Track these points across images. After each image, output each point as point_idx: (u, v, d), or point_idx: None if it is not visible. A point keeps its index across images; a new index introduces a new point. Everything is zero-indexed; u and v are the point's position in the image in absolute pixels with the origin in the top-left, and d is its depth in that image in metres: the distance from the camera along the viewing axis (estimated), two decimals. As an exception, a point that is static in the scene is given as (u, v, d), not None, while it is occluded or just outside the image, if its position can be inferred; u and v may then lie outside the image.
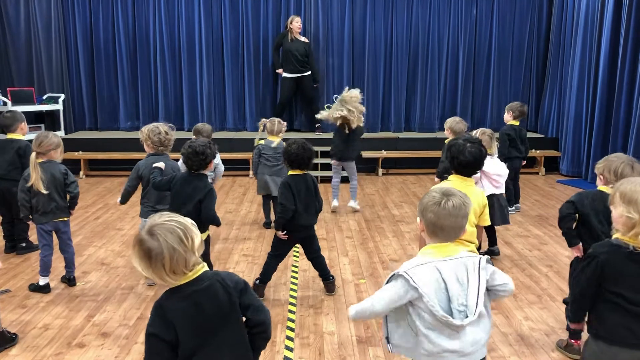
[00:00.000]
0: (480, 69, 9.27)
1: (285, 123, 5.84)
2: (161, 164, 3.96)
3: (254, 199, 6.98)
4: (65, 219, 4.19)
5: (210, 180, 5.23)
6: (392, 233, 5.68)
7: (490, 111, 9.35)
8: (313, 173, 7.96)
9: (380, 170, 8.58)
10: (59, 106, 8.58)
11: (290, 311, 3.90)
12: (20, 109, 8.18)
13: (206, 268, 1.98)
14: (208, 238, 3.80)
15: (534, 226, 5.92)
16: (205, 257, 3.79)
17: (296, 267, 4.69)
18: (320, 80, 8.90)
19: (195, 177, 3.69)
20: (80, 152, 8.37)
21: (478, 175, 4.89)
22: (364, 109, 6.26)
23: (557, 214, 3.30)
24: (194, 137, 4.85)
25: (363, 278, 4.48)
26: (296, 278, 4.48)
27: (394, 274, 2.12)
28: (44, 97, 8.65)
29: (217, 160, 5.00)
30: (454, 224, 2.12)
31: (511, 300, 4.10)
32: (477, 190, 3.20)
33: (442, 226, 2.12)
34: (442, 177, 5.78)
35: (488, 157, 4.75)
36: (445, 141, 5.92)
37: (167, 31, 8.94)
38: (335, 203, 6.43)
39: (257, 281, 4.10)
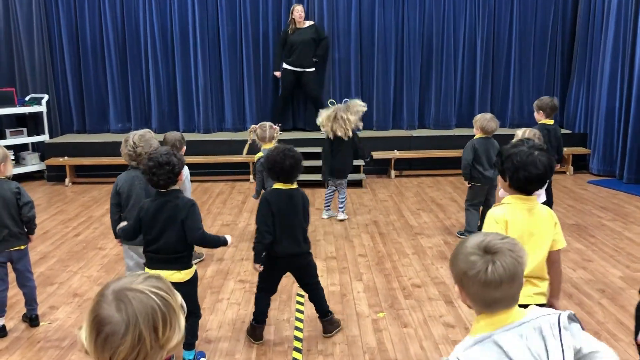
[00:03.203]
0: (500, 59, 8.49)
1: (277, 127, 5.11)
2: (124, 224, 3.19)
3: (254, 209, 6.22)
4: (22, 247, 3.47)
5: None
6: (411, 249, 4.96)
7: (512, 106, 8.59)
8: (317, 177, 7.29)
9: (393, 172, 7.84)
10: (42, 108, 7.88)
11: None
12: (0, 111, 7.54)
13: None
14: (195, 276, 3.08)
15: (572, 238, 5.18)
16: (191, 301, 3.08)
17: (302, 296, 3.98)
18: (324, 66, 8.15)
19: (168, 196, 2.94)
20: (66, 157, 7.69)
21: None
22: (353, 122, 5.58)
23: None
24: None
25: (382, 311, 3.76)
26: (302, 312, 3.77)
27: None
28: (27, 99, 7.96)
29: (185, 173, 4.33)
30: (509, 291, 1.50)
31: (563, 339, 3.37)
32: (543, 210, 2.48)
33: (494, 299, 1.50)
34: (470, 179, 5.10)
35: None
36: (474, 139, 5.20)
37: (159, 25, 8.21)
38: (324, 215, 5.91)
39: (253, 322, 3.39)
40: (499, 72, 8.53)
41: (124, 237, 3.11)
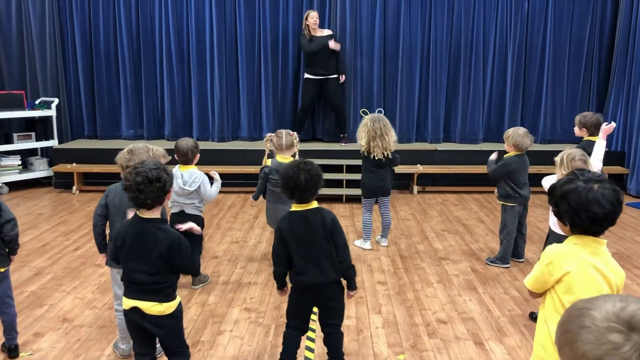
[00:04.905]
0: (532, 71, 8.01)
1: (295, 133, 4.69)
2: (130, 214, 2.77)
3: (267, 225, 5.86)
4: (2, 270, 3.11)
5: (197, 212, 4.15)
6: (436, 277, 4.51)
7: (544, 120, 8.08)
8: (336, 191, 6.88)
9: (416, 188, 7.40)
10: (52, 112, 7.60)
11: (301, 411, 2.78)
12: (8, 114, 7.27)
13: None
14: (179, 308, 2.67)
15: (615, 268, 4.68)
16: (176, 338, 2.68)
17: (313, 331, 3.56)
18: (346, 75, 7.73)
19: (148, 224, 2.53)
20: (74, 164, 7.38)
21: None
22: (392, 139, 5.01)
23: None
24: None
25: (403, 353, 3.32)
26: (312, 350, 3.35)
27: None
28: (37, 102, 7.69)
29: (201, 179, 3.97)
30: None
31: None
32: (613, 262, 2.04)
33: None
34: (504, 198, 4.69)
35: None
36: (505, 156, 4.75)
37: (175, 28, 7.90)
38: (366, 246, 5.16)
39: None
40: (531, 84, 8.05)
41: (114, 261, 2.72)
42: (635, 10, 7.34)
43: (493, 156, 4.84)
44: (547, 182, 3.94)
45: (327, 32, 7.51)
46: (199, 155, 4.16)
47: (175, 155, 4.01)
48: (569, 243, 2.01)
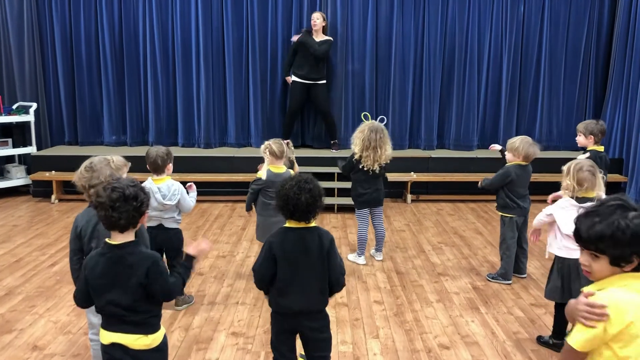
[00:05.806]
0: (527, 76, 7.80)
1: (288, 142, 4.43)
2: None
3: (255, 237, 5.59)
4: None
5: (176, 225, 3.89)
6: (435, 294, 4.26)
7: (539, 126, 7.88)
8: (327, 200, 6.61)
9: (409, 197, 7.16)
10: (30, 117, 7.27)
11: None
12: (-17, 120, 6.95)
13: None
14: (165, 341, 2.39)
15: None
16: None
17: (303, 357, 3.29)
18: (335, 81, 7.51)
19: (121, 251, 2.26)
20: (54, 172, 7.05)
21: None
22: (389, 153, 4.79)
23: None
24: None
25: (404, 385, 3.07)
26: (305, 381, 3.08)
27: None
28: (14, 107, 7.35)
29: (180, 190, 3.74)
30: None
31: None
32: None
33: None
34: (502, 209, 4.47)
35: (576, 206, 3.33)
36: (506, 165, 4.50)
37: (159, 30, 7.60)
38: (361, 261, 4.90)
39: None
40: (527, 89, 7.84)
41: (77, 304, 2.42)
42: (634, 14, 7.16)
43: (496, 147, 4.81)
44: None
45: (326, 37, 7.22)
46: (171, 165, 3.86)
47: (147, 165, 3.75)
48: (620, 286, 1.71)
